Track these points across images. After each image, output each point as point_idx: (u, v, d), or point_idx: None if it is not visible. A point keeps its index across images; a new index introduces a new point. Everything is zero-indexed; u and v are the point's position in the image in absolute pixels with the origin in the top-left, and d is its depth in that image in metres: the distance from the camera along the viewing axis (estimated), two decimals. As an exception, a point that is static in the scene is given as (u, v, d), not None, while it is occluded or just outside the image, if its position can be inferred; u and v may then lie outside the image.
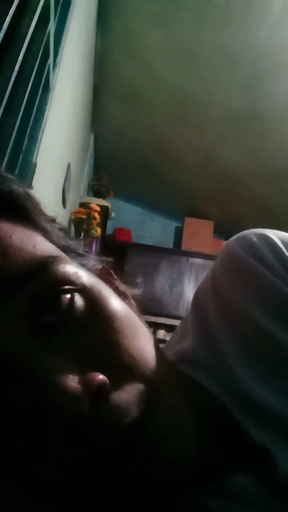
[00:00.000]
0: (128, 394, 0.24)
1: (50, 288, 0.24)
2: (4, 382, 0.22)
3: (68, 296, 0.25)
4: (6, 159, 0.99)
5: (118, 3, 2.25)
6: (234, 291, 0.33)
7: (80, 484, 0.22)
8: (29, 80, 1.10)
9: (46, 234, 0.28)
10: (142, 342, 0.27)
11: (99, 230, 2.56)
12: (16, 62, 0.95)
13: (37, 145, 1.26)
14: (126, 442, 0.22)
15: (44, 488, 0.22)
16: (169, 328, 3.56)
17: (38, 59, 1.15)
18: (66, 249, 0.29)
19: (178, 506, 0.25)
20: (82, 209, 2.46)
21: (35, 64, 1.13)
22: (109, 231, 3.72)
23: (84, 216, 2.39)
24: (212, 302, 0.34)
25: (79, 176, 2.80)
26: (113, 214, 3.20)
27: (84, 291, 0.26)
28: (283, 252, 0.33)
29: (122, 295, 0.31)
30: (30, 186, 1.21)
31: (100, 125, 3.18)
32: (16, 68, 0.95)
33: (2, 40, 0.84)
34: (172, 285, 3.67)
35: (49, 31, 1.20)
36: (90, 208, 2.45)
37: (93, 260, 0.32)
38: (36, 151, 1.25)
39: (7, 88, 0.91)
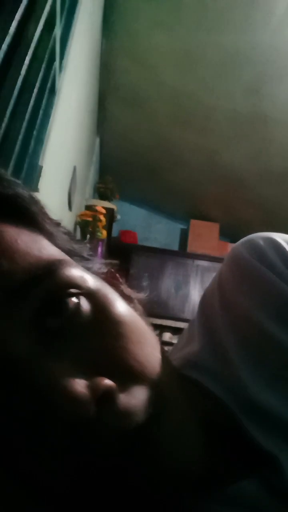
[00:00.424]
0: (135, 399, 0.24)
1: (56, 292, 0.24)
2: (10, 386, 0.22)
3: (74, 300, 0.25)
4: (12, 162, 1.00)
5: (123, 8, 2.27)
6: (240, 295, 0.33)
7: (83, 488, 0.22)
8: (35, 85, 1.11)
9: (51, 238, 0.28)
10: (149, 347, 0.27)
11: (104, 232, 2.57)
12: (22, 66, 0.96)
13: (43, 148, 1.27)
14: (131, 447, 0.22)
15: (47, 492, 0.22)
16: (175, 331, 3.55)
17: (44, 63, 1.16)
18: (71, 253, 0.29)
19: None
20: (87, 212, 2.47)
21: (41, 68, 1.14)
22: (114, 233, 3.73)
23: (89, 219, 2.40)
24: (218, 306, 0.34)
25: (85, 178, 2.81)
26: (118, 217, 3.21)
27: (90, 295, 0.26)
28: None
29: (127, 298, 0.31)
30: (36, 189, 1.22)
31: (106, 129, 3.19)
32: (23, 72, 0.96)
33: (9, 45, 0.85)
34: (178, 288, 3.66)
35: (55, 36, 1.21)
36: (96, 211, 2.46)
37: (98, 264, 0.32)
38: (42, 154, 1.26)
39: (13, 93, 0.92)
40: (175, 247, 4.12)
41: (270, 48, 2.29)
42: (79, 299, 0.25)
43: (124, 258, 3.66)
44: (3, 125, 0.88)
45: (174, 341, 3.52)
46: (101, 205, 2.66)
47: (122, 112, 2.99)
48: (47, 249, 0.26)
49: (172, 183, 3.64)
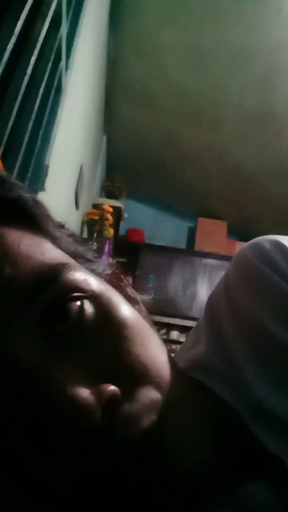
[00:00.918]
0: (140, 404, 0.23)
1: (60, 296, 0.24)
2: (16, 392, 0.22)
3: (78, 303, 0.25)
4: (19, 161, 1.00)
5: (130, 5, 2.26)
6: (247, 298, 0.33)
7: (91, 494, 0.22)
8: (42, 83, 1.11)
9: (55, 241, 0.28)
10: (153, 350, 0.27)
11: (111, 231, 2.57)
12: (29, 65, 0.96)
13: (50, 147, 1.27)
14: (139, 452, 0.22)
15: (50, 495, 0.22)
16: (182, 329, 3.55)
17: (51, 62, 1.16)
18: (75, 255, 0.29)
19: None
20: (94, 210, 2.48)
21: (47, 67, 1.14)
22: (122, 232, 3.73)
23: (96, 217, 2.41)
24: (225, 309, 0.34)
25: (92, 177, 2.81)
26: (125, 215, 3.21)
27: (94, 298, 0.26)
28: None
29: (132, 301, 0.31)
30: (42, 188, 1.22)
31: (113, 126, 3.19)
32: (29, 71, 0.96)
33: (15, 44, 0.85)
34: (186, 286, 3.66)
35: (61, 35, 1.21)
36: (103, 209, 2.46)
37: (103, 265, 0.32)
38: (48, 153, 1.26)
39: (20, 91, 0.92)
40: (183, 245, 4.11)
41: (279, 44, 2.26)
42: (82, 303, 0.25)
43: (131, 257, 3.66)
44: (10, 124, 0.88)
45: (182, 339, 3.52)
46: (108, 204, 2.67)
47: (130, 109, 2.99)
48: (50, 253, 0.26)
49: (180, 180, 3.63)
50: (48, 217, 0.29)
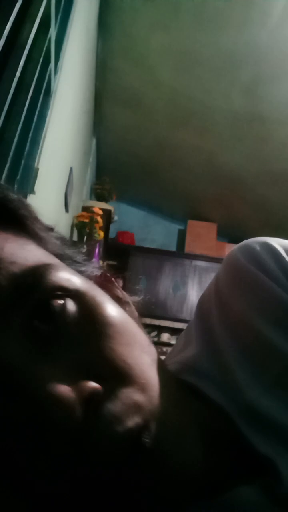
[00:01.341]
0: (121, 402, 0.23)
1: (44, 297, 0.24)
2: (1, 394, 0.22)
3: (61, 302, 0.25)
4: (8, 165, 1.00)
5: (119, 9, 2.27)
6: (237, 300, 0.33)
7: (79, 497, 0.22)
8: (31, 86, 1.10)
9: (41, 242, 0.28)
10: (137, 349, 0.26)
11: (102, 233, 2.57)
12: (17, 68, 0.96)
13: (39, 150, 1.26)
14: (125, 454, 0.22)
15: (42, 498, 0.22)
16: (173, 331, 3.55)
17: (39, 65, 1.16)
18: (62, 257, 0.29)
19: None
20: (84, 213, 2.47)
21: (36, 70, 1.14)
22: (112, 234, 3.73)
23: (86, 220, 2.40)
24: (215, 311, 0.34)
25: (82, 180, 2.81)
26: (115, 218, 3.21)
27: (78, 297, 0.25)
28: (286, 262, 0.33)
29: (121, 302, 0.31)
30: (32, 191, 1.21)
31: (102, 129, 3.19)
32: (17, 74, 0.96)
33: (3, 46, 0.84)
34: (176, 288, 3.66)
35: (49, 37, 1.20)
36: (93, 212, 2.46)
37: (91, 267, 0.32)
38: (38, 156, 1.26)
39: (8, 94, 0.91)
40: (173, 247, 4.12)
41: (268, 48, 2.29)
42: (65, 302, 0.25)
43: (121, 259, 3.66)
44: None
45: (173, 341, 3.52)
46: (98, 206, 2.66)
47: (119, 112, 2.99)
48: (33, 254, 0.26)
49: (170, 183, 3.64)
50: (35, 218, 0.29)
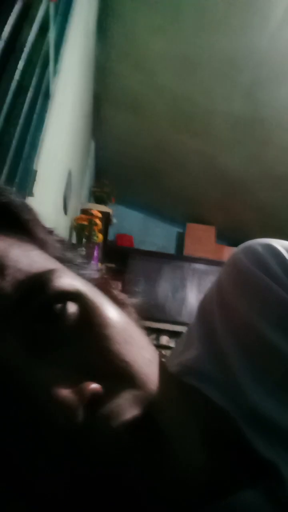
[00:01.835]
0: (122, 400, 0.23)
1: (46, 302, 0.24)
2: (2, 397, 0.22)
3: (61, 306, 0.25)
4: (6, 167, 0.99)
5: (118, 12, 2.27)
6: (240, 303, 0.32)
7: (80, 497, 0.22)
8: (29, 89, 1.10)
9: (44, 246, 0.28)
10: (136, 348, 0.26)
11: (100, 236, 2.56)
12: (16, 71, 0.95)
13: (38, 152, 1.26)
14: (125, 453, 0.22)
15: (44, 502, 0.22)
16: (172, 334, 3.54)
17: (38, 67, 1.16)
18: (63, 260, 0.29)
19: None
20: (83, 216, 2.47)
21: (35, 73, 1.14)
22: (111, 237, 3.73)
23: (85, 223, 2.40)
24: (218, 313, 0.33)
25: (80, 182, 2.81)
26: (114, 220, 3.21)
27: (78, 300, 0.26)
28: None
29: (120, 303, 0.31)
30: (30, 193, 1.21)
31: (101, 132, 3.19)
32: (16, 77, 0.96)
33: (3, 49, 0.84)
34: (175, 291, 3.66)
35: (48, 40, 1.20)
36: (92, 215, 2.46)
37: (91, 270, 0.32)
38: (36, 158, 1.26)
39: (7, 97, 0.91)
40: (172, 250, 4.12)
41: (268, 52, 2.30)
42: (66, 305, 0.25)
43: (120, 262, 3.65)
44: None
45: (172, 344, 3.51)
46: (97, 209, 2.66)
47: (118, 115, 3.00)
48: (37, 260, 0.26)
49: (169, 186, 3.65)
50: (38, 222, 0.30)
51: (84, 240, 2.38)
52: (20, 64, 0.98)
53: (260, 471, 0.26)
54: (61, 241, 0.32)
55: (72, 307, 0.25)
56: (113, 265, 3.56)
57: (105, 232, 2.95)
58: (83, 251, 2.30)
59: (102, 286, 0.31)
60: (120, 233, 3.92)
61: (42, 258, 0.27)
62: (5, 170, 0.99)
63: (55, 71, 1.39)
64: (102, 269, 0.35)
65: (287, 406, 0.28)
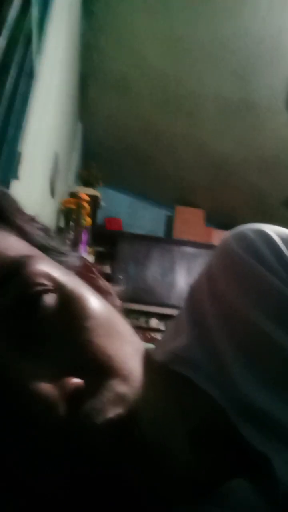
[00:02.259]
0: (105, 397, 0.23)
1: (22, 291, 0.24)
2: None
3: (41, 297, 0.24)
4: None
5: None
6: (231, 290, 0.32)
7: (68, 494, 0.22)
8: (11, 68, 1.07)
9: (22, 234, 0.28)
10: (118, 340, 0.26)
11: (89, 220, 2.54)
12: (-3, 48, 0.92)
13: (22, 134, 1.23)
14: (107, 446, 0.22)
15: (33, 499, 0.22)
16: (161, 317, 3.57)
17: (21, 45, 1.12)
18: (44, 248, 0.29)
19: None
20: (71, 199, 2.44)
21: (17, 50, 1.10)
22: (99, 221, 3.70)
23: (73, 206, 2.37)
24: (208, 301, 0.33)
25: (67, 165, 2.76)
26: (103, 204, 3.18)
27: (58, 290, 0.25)
28: (282, 251, 0.32)
29: (103, 292, 0.30)
30: (15, 176, 1.19)
31: (88, 114, 3.13)
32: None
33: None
34: (164, 274, 3.67)
35: (31, 16, 1.16)
36: (79, 198, 2.43)
37: (74, 258, 0.31)
38: (21, 140, 1.23)
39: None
40: (160, 233, 4.11)
41: (259, 35, 2.26)
42: (45, 296, 0.24)
43: (109, 246, 3.64)
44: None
45: (161, 327, 3.54)
46: (85, 192, 2.63)
47: (106, 96, 2.94)
48: (14, 246, 0.26)
49: (158, 169, 3.62)
50: (16, 210, 0.29)
51: (72, 223, 2.36)
52: (1, 42, 0.94)
53: (251, 463, 0.26)
54: (43, 229, 0.31)
55: (50, 298, 0.24)
56: (102, 249, 3.55)
57: (93, 215, 2.93)
58: (71, 235, 2.28)
59: (85, 275, 0.31)
60: (109, 216, 3.90)
61: (20, 245, 0.26)
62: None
63: (39, 49, 1.35)
64: (85, 256, 0.34)
65: (279, 397, 0.28)
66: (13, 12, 1.00)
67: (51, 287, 0.25)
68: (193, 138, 3.14)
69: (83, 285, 0.28)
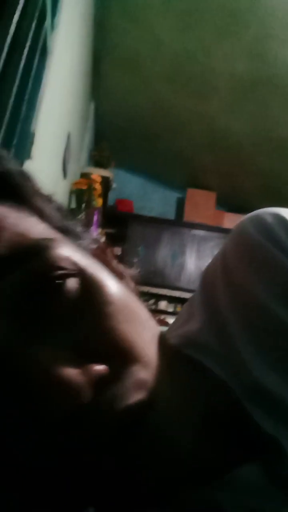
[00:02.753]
0: (125, 382, 0.23)
1: (41, 273, 0.23)
2: None
3: (60, 281, 0.24)
4: (3, 129, 0.96)
5: None
6: (246, 274, 0.31)
7: (81, 480, 0.22)
8: (25, 44, 1.05)
9: (42, 215, 0.27)
10: (138, 326, 0.26)
11: (100, 201, 2.53)
12: (11, 25, 0.91)
13: (36, 114, 1.22)
14: (128, 433, 0.22)
15: (46, 489, 0.22)
16: (171, 299, 3.59)
17: (35, 21, 1.10)
18: (62, 230, 0.28)
19: (184, 501, 0.24)
20: (83, 180, 2.43)
21: (31, 26, 1.08)
22: (110, 202, 3.69)
23: (85, 187, 2.36)
24: (222, 285, 0.32)
25: (80, 145, 2.74)
26: (114, 185, 3.16)
27: (78, 275, 0.25)
28: None
29: (118, 275, 0.30)
30: (28, 156, 1.18)
31: (101, 93, 3.09)
32: (11, 31, 0.91)
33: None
34: (174, 257, 3.67)
35: (45, -9, 1.14)
36: (91, 179, 2.42)
37: (90, 240, 0.31)
38: (34, 120, 1.22)
39: (2, 52, 0.87)
40: (171, 216, 4.09)
41: (272, 9, 2.18)
42: (65, 280, 0.24)
43: (120, 228, 3.64)
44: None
45: (170, 309, 3.57)
46: (96, 173, 2.62)
47: (118, 74, 2.89)
48: (35, 228, 0.25)
49: (169, 150, 3.57)
50: (36, 191, 0.28)
51: (83, 205, 2.36)
52: (15, 17, 0.93)
53: (261, 446, 0.26)
54: (60, 209, 0.30)
55: (72, 282, 0.24)
56: (112, 231, 3.55)
57: (104, 197, 2.92)
58: (82, 216, 2.28)
59: (101, 257, 0.30)
60: (120, 197, 3.88)
61: (40, 226, 0.26)
62: (2, 132, 0.96)
63: (53, 26, 1.32)
64: (100, 237, 0.34)
65: None
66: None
67: (72, 272, 0.24)
68: (204, 117, 3.08)
69: (102, 268, 0.28)
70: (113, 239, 3.46)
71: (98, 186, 2.42)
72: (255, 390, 0.27)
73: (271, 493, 0.24)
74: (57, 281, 0.24)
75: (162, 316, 3.26)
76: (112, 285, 0.26)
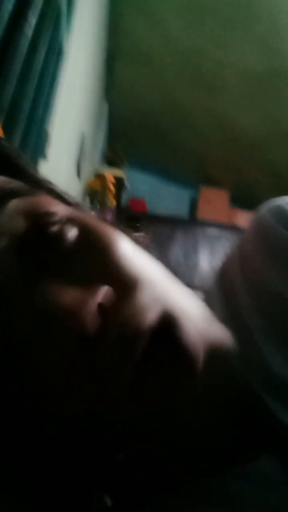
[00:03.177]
0: (139, 300, 0.22)
1: (38, 220, 0.25)
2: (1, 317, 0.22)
3: (58, 226, 0.25)
4: (20, 128, 0.98)
5: None
6: (264, 265, 0.31)
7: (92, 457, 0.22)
8: (42, 46, 1.06)
9: (58, 197, 0.30)
10: (148, 264, 0.27)
11: (114, 201, 2.54)
12: (27, 25, 0.92)
13: (50, 113, 1.24)
14: (138, 350, 0.21)
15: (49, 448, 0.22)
16: (184, 299, 3.56)
17: (51, 22, 1.11)
18: (67, 203, 0.31)
19: (197, 488, 0.24)
20: (97, 180, 2.44)
21: (48, 29, 1.09)
22: (123, 202, 3.70)
23: (98, 188, 2.38)
24: (240, 277, 0.32)
25: (94, 145, 2.76)
26: (128, 185, 3.17)
27: (77, 224, 0.26)
28: None
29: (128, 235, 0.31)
30: (43, 155, 1.20)
31: (114, 93, 3.10)
32: (29, 33, 0.92)
33: (14, 4, 0.81)
34: (187, 256, 3.65)
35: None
36: (105, 179, 2.43)
37: (90, 211, 0.33)
38: (49, 119, 1.23)
39: (21, 55, 0.89)
40: (185, 214, 4.08)
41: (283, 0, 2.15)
42: (63, 225, 0.25)
43: (133, 227, 3.63)
44: (11, 89, 0.86)
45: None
46: (110, 173, 2.63)
47: (131, 74, 2.89)
48: (55, 203, 0.28)
49: (182, 148, 3.56)
50: (31, 167, 0.31)
51: (97, 205, 2.37)
52: (32, 19, 0.94)
53: (277, 437, 0.26)
54: (55, 188, 0.32)
55: (71, 230, 0.25)
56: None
57: (118, 197, 2.92)
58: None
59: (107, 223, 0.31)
60: (133, 197, 3.89)
61: (61, 205, 0.28)
62: (19, 132, 0.97)
63: (68, 27, 1.33)
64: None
65: None
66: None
67: (71, 220, 0.26)
68: (216, 113, 3.05)
69: (106, 226, 0.28)
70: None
71: (112, 187, 2.43)
72: (275, 384, 0.27)
73: (285, 485, 0.24)
74: (55, 224, 0.25)
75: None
76: (116, 236, 0.27)
